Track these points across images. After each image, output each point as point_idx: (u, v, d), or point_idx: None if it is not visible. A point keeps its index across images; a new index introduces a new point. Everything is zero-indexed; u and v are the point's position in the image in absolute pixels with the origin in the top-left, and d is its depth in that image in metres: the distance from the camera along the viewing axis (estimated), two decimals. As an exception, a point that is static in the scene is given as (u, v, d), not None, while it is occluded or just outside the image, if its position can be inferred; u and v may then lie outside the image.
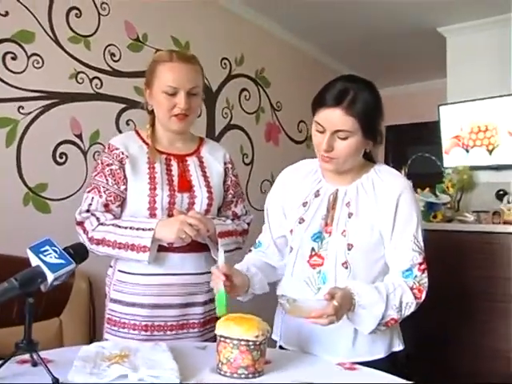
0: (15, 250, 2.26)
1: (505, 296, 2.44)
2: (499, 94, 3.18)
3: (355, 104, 1.30)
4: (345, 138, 1.33)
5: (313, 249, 1.40)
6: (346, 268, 1.36)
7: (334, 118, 1.31)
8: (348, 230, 1.36)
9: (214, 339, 1.67)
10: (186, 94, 1.57)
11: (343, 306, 1.22)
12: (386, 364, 1.37)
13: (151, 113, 1.67)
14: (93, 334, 2.44)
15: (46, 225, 2.48)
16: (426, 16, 3.49)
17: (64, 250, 1.19)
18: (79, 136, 2.64)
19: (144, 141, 1.65)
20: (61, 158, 2.58)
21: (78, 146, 2.64)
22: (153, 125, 1.68)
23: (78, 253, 1.21)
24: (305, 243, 1.41)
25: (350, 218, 1.38)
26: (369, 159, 1.47)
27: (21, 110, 2.43)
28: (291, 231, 1.44)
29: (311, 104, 1.38)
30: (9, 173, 2.41)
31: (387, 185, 1.40)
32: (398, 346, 1.45)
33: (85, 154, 2.67)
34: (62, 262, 1.16)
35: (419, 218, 1.40)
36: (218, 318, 1.70)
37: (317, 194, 1.45)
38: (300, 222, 1.42)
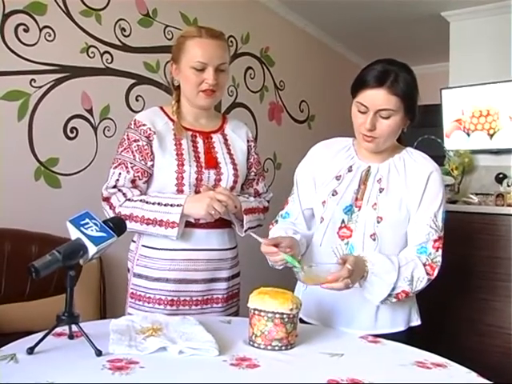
0: (26, 225, 2.25)
1: (506, 275, 2.50)
2: (501, 79, 3.21)
3: (398, 83, 1.35)
4: (387, 118, 1.37)
5: (343, 221, 1.44)
6: (374, 240, 1.40)
7: (377, 97, 1.35)
8: (378, 204, 1.41)
9: (235, 314, 1.71)
10: (215, 69, 1.56)
11: (356, 270, 1.26)
12: (405, 337, 1.42)
13: (177, 89, 1.67)
14: (103, 310, 2.45)
15: (56, 200, 2.47)
16: (431, 0, 3.47)
17: (103, 222, 1.19)
18: (90, 111, 2.60)
19: (169, 117, 1.64)
20: (71, 132, 2.54)
21: (89, 121, 2.61)
22: (178, 101, 1.67)
23: (118, 226, 1.20)
24: (336, 215, 1.44)
25: (380, 192, 1.43)
26: (400, 142, 1.51)
27: (33, 84, 2.39)
28: (323, 202, 1.47)
29: (351, 87, 1.42)
30: (21, 147, 2.37)
31: (419, 165, 1.45)
32: (416, 321, 1.51)
33: (95, 129, 2.63)
34: (104, 234, 1.15)
35: (444, 200, 1.45)
36: (238, 294, 1.75)
37: (350, 169, 1.48)
38: (333, 194, 1.46)
